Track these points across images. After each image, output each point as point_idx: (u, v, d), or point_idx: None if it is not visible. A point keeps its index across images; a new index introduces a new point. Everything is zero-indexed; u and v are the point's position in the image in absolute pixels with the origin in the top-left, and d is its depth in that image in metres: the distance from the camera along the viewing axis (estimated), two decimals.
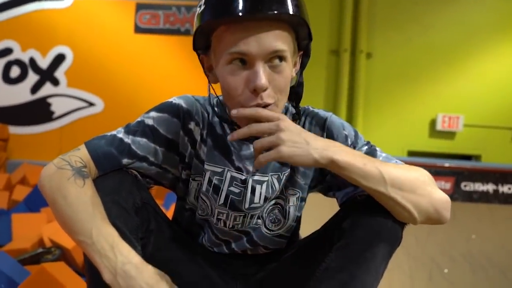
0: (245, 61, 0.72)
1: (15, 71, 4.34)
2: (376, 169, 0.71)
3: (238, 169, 0.84)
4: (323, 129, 0.85)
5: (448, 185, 3.20)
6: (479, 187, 3.16)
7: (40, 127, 4.33)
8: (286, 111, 0.86)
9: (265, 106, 0.73)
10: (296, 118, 0.84)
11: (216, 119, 0.84)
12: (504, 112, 4.28)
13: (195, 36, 0.76)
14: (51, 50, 4.32)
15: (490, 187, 3.16)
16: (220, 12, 0.70)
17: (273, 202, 0.87)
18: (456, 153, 4.28)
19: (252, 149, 0.83)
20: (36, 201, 2.47)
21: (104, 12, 4.31)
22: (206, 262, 0.88)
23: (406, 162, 0.81)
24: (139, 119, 0.83)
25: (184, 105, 0.82)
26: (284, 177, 0.86)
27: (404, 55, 4.35)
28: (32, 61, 4.33)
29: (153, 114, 0.82)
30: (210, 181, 0.84)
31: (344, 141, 0.85)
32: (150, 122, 0.82)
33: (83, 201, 0.70)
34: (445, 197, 0.76)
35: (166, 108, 0.83)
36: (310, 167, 0.87)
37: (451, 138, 4.35)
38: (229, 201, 0.85)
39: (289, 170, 0.86)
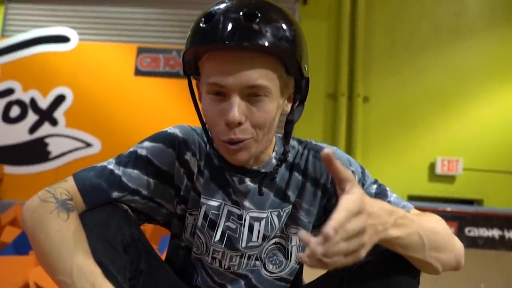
0: (222, 93, 0.69)
1: (15, 111, 4.36)
2: (418, 236, 0.64)
3: (235, 203, 0.79)
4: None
5: (451, 230, 3.12)
6: (484, 232, 3.08)
7: (35, 167, 4.28)
8: (280, 146, 0.82)
9: (239, 141, 0.69)
10: (282, 159, 0.78)
11: (212, 150, 0.80)
12: (503, 155, 4.28)
13: (184, 62, 0.75)
14: (52, 90, 4.38)
15: (495, 233, 3.07)
16: (200, 40, 0.69)
17: (273, 241, 0.81)
18: (457, 197, 4.23)
19: (248, 186, 0.78)
20: (25, 243, 2.38)
21: (106, 55, 4.42)
22: None
23: None
24: (131, 149, 0.79)
25: (180, 134, 0.79)
26: (285, 214, 0.80)
27: (400, 99, 4.42)
28: (33, 101, 4.36)
29: (146, 144, 0.78)
30: (206, 215, 0.79)
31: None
32: (143, 152, 0.77)
33: (65, 235, 0.64)
34: (462, 246, 0.73)
35: (161, 137, 0.79)
36: (315, 204, 0.82)
37: (451, 182, 4.31)
38: (225, 238, 0.79)
39: (290, 206, 0.80)
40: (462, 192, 4.27)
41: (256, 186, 0.78)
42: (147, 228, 2.61)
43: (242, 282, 0.81)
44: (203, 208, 0.78)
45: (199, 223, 0.79)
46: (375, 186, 0.81)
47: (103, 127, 4.31)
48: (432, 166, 4.33)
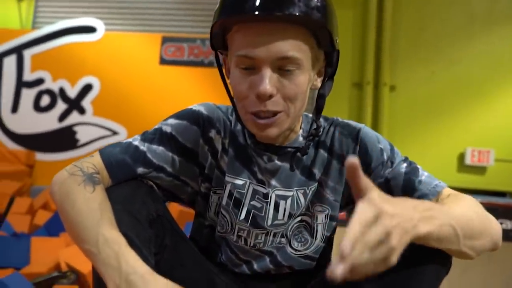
0: (252, 66, 0.68)
1: (45, 100, 4.49)
2: (451, 227, 0.61)
3: (261, 182, 0.79)
4: (356, 141, 0.81)
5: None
6: None
7: (64, 154, 4.41)
8: (307, 123, 0.81)
9: (270, 115, 0.68)
10: (313, 133, 0.77)
11: (238, 127, 0.80)
12: None
13: (212, 35, 0.73)
14: (80, 80, 4.48)
15: None
16: (230, 11, 0.67)
17: (298, 219, 0.80)
18: (487, 189, 4.08)
19: (276, 164, 0.77)
20: (56, 226, 2.46)
21: (131, 45, 4.48)
22: (224, 284, 0.81)
23: None
24: (156, 126, 0.80)
25: (204, 112, 0.79)
26: (311, 192, 0.79)
27: (428, 89, 4.28)
28: (62, 90, 4.48)
29: (171, 121, 0.80)
30: (231, 194, 0.79)
31: (380, 155, 0.79)
32: (168, 129, 0.78)
33: (91, 207, 0.65)
34: (499, 227, 0.70)
35: (186, 115, 0.80)
36: (341, 182, 0.80)
37: (482, 173, 4.17)
38: (250, 217, 0.78)
39: (316, 184, 0.80)
40: (494, 183, 4.12)
41: (284, 164, 0.78)
42: (173, 213, 2.65)
43: (268, 259, 0.81)
44: (228, 187, 0.78)
45: (224, 202, 0.79)
46: (404, 164, 0.80)
47: (129, 116, 4.39)
48: (461, 157, 4.19)
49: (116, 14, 4.65)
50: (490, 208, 3.18)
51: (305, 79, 0.70)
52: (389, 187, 0.80)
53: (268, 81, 0.66)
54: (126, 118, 4.39)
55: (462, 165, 4.17)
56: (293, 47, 0.66)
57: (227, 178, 0.78)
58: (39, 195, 3.34)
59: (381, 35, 4.29)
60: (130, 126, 4.37)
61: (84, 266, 1.60)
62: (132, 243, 0.65)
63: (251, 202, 0.77)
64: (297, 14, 0.64)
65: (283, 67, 0.67)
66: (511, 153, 4.09)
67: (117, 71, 4.44)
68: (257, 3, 0.64)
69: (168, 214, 0.77)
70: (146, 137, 0.78)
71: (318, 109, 0.77)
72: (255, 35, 0.66)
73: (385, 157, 0.79)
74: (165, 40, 4.44)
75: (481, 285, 2.22)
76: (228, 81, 0.75)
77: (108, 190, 0.70)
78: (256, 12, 0.63)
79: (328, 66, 0.75)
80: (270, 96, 0.67)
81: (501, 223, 3.13)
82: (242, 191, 0.78)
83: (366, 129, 0.83)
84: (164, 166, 0.77)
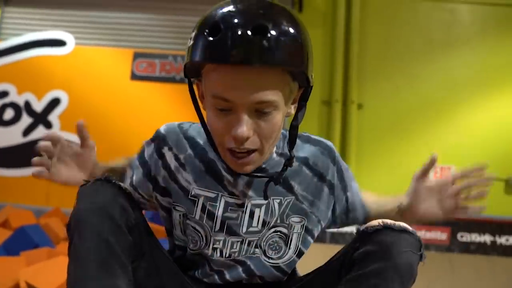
0: (229, 107, 0.68)
1: (9, 114, 4.34)
2: None
3: (232, 194, 0.81)
4: (334, 162, 0.87)
5: (444, 236, 3.13)
6: (476, 238, 3.10)
7: (28, 170, 4.24)
8: (279, 145, 0.84)
9: (245, 151, 0.71)
10: (287, 164, 0.79)
11: (209, 145, 0.82)
12: (495, 163, 4.32)
13: (185, 67, 0.74)
14: (47, 94, 4.37)
15: (487, 238, 3.09)
16: (205, 55, 0.66)
17: (273, 230, 0.82)
18: None
19: (251, 179, 0.80)
20: (16, 244, 2.36)
21: (102, 59, 4.43)
22: None
23: None
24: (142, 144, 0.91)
25: (162, 131, 0.85)
26: (286, 202, 0.82)
27: (394, 106, 4.46)
28: (27, 104, 4.35)
29: (146, 143, 0.89)
30: (204, 207, 0.80)
31: (344, 176, 0.89)
32: (144, 152, 0.88)
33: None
34: None
35: (153, 136, 0.88)
36: (321, 199, 0.85)
37: None
38: (225, 226, 0.81)
39: (293, 197, 0.83)
40: None
41: (259, 180, 0.80)
42: None
43: (240, 269, 0.82)
44: (200, 201, 0.80)
45: (198, 217, 0.80)
46: (355, 184, 0.94)
47: (98, 131, 4.29)
48: None
49: (87, 28, 4.60)
50: (452, 223, 3.30)
51: (281, 117, 0.72)
52: (348, 205, 0.91)
53: (245, 125, 0.67)
54: (95, 134, 4.22)
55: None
56: (270, 93, 0.67)
57: (197, 191, 0.80)
58: None
59: (349, 54, 4.45)
60: (99, 141, 4.22)
61: (46, 285, 1.54)
62: (112, 249, 0.67)
63: (225, 214, 0.80)
64: (277, 63, 0.65)
65: (260, 109, 0.68)
66: None
67: (87, 85, 4.37)
68: (234, 51, 0.63)
69: (145, 222, 0.79)
70: (138, 154, 0.89)
71: (291, 139, 0.78)
72: (232, 79, 0.66)
73: (346, 178, 0.89)
74: (136, 55, 4.43)
75: None
76: (201, 106, 0.77)
77: (89, 196, 0.71)
78: (236, 61, 0.64)
79: (302, 98, 0.77)
80: (247, 138, 0.69)
81: (461, 236, 3.26)
82: (215, 203, 0.80)
83: (334, 147, 0.90)
84: (137, 187, 0.87)
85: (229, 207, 0.80)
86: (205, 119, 0.75)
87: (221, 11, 0.66)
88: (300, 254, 0.85)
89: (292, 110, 0.77)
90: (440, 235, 3.11)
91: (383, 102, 4.45)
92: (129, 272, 0.69)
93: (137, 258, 0.74)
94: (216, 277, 0.83)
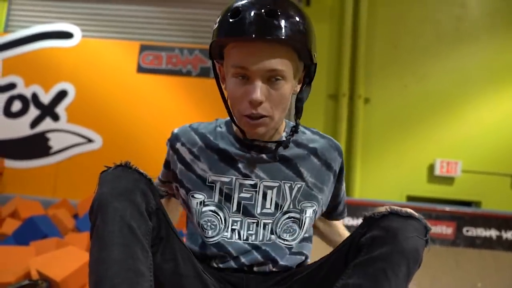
0: (246, 76, 0.80)
1: (16, 106, 4.37)
2: None
3: (245, 176, 0.88)
4: (341, 156, 0.96)
5: (449, 230, 3.13)
6: (482, 232, 3.09)
7: (36, 162, 4.29)
8: (289, 128, 0.94)
9: (260, 117, 0.81)
10: (293, 130, 0.91)
11: (219, 137, 0.92)
12: (502, 158, 4.30)
13: (210, 48, 0.86)
14: (54, 86, 4.39)
15: (493, 233, 3.09)
16: (228, 33, 0.80)
17: (287, 216, 0.88)
18: (455, 199, 4.24)
19: (263, 157, 0.89)
20: (25, 234, 2.39)
21: (108, 52, 4.44)
22: (213, 280, 0.84)
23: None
24: None
25: (175, 131, 0.96)
26: (296, 188, 0.89)
27: (401, 101, 4.45)
28: (34, 96, 4.38)
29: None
30: (221, 191, 0.88)
31: (343, 168, 0.97)
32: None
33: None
34: None
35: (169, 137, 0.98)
36: (328, 186, 0.93)
37: (450, 184, 4.34)
38: (241, 207, 0.88)
39: (303, 183, 0.90)
40: (461, 193, 4.29)
41: (269, 159, 0.89)
42: None
43: (255, 252, 0.86)
44: (217, 186, 0.88)
45: (216, 199, 0.87)
46: (344, 185, 1.00)
47: (105, 123, 4.33)
48: (431, 168, 4.35)
49: (94, 21, 4.61)
50: (457, 217, 3.29)
51: (289, 88, 0.83)
52: (342, 194, 1.02)
53: (259, 90, 0.79)
54: (101, 126, 4.32)
55: (432, 176, 4.33)
56: (280, 62, 0.80)
57: (213, 178, 0.88)
58: (8, 203, 3.24)
59: (356, 49, 4.43)
60: (105, 133, 4.31)
61: (57, 274, 1.57)
62: (134, 234, 0.69)
63: (240, 195, 0.87)
64: (284, 37, 0.78)
65: (271, 78, 0.80)
66: (477, 165, 4.28)
67: (93, 78, 4.39)
68: (251, 28, 0.77)
69: (163, 208, 0.82)
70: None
71: (297, 110, 0.90)
72: (249, 53, 0.79)
73: (343, 175, 0.99)
74: (143, 48, 4.43)
75: None
76: (223, 87, 0.88)
77: (111, 182, 0.74)
78: (252, 36, 0.77)
79: (307, 75, 0.88)
80: (261, 103, 0.80)
81: (467, 231, 3.26)
82: (230, 186, 0.87)
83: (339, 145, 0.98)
84: (160, 177, 0.98)
85: (244, 188, 0.88)
86: (226, 98, 0.87)
87: (241, 2, 0.81)
88: (309, 238, 0.93)
89: (298, 88, 0.89)
90: (446, 230, 3.11)
91: (390, 97, 4.43)
92: (150, 257, 0.72)
93: (155, 243, 0.77)
94: (232, 261, 0.86)
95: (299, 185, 0.89)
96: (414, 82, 4.45)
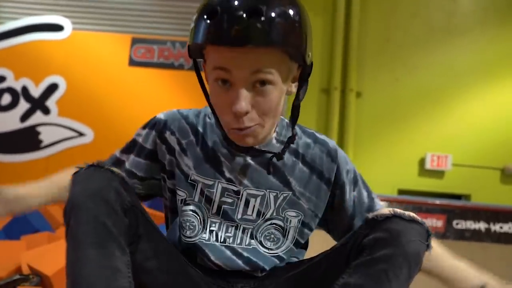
0: (229, 82, 0.71)
1: (6, 99, 4.31)
2: None
3: (229, 180, 0.83)
4: (335, 160, 0.86)
5: (440, 223, 3.18)
6: (471, 225, 3.14)
7: (26, 156, 4.24)
8: (281, 127, 0.85)
9: (247, 128, 0.73)
10: (288, 142, 0.82)
11: (208, 131, 0.85)
12: (491, 152, 4.36)
13: (189, 49, 0.77)
14: (45, 79, 4.33)
15: (482, 226, 3.14)
16: (204, 37, 0.70)
17: (268, 222, 0.84)
18: (445, 192, 4.29)
19: (248, 163, 0.82)
20: (16, 229, 2.37)
21: (100, 45, 4.39)
22: (199, 276, 0.82)
23: (397, 201, 0.82)
24: (133, 137, 0.90)
25: (162, 116, 0.87)
26: (282, 197, 0.84)
27: (392, 95, 4.47)
28: (25, 89, 4.32)
29: (139, 131, 0.89)
30: (202, 191, 0.83)
31: (346, 176, 0.87)
32: (137, 138, 0.88)
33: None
34: None
35: (149, 123, 0.88)
36: (319, 196, 0.85)
37: (440, 177, 4.39)
38: (221, 211, 0.83)
39: (290, 193, 0.84)
40: (451, 187, 4.35)
41: (255, 165, 0.83)
42: None
43: (240, 261, 0.83)
44: (199, 186, 0.83)
45: (196, 199, 0.83)
46: (366, 193, 0.88)
47: (96, 117, 4.29)
48: (422, 161, 4.40)
49: (85, 13, 4.55)
50: (447, 210, 3.33)
51: (278, 93, 0.74)
52: (353, 206, 0.88)
53: (244, 100, 0.70)
54: (93, 119, 4.28)
55: (422, 169, 4.37)
56: (266, 66, 0.70)
57: (196, 177, 0.83)
58: None
59: (348, 43, 4.43)
60: (97, 127, 4.27)
61: (49, 268, 1.56)
62: (109, 232, 0.68)
63: (222, 199, 0.82)
64: (271, 43, 0.68)
65: (256, 83, 0.71)
66: (466, 158, 4.33)
67: (84, 71, 4.34)
68: (231, 34, 0.66)
69: (141, 205, 0.80)
70: (123, 148, 0.89)
71: (293, 119, 0.81)
72: (231, 57, 0.70)
73: (351, 178, 0.87)
74: (135, 41, 4.39)
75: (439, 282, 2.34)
76: (207, 86, 0.80)
77: (83, 182, 0.72)
78: (231, 43, 0.67)
79: (302, 74, 0.79)
80: (247, 113, 0.72)
81: (456, 224, 3.31)
82: (212, 190, 0.82)
83: (340, 150, 0.89)
84: (134, 171, 0.86)
85: (226, 193, 0.83)
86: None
87: None
88: (297, 244, 0.87)
89: (293, 89, 0.79)
90: (436, 222, 3.15)
91: (381, 90, 4.45)
92: (127, 254, 0.70)
93: (134, 241, 0.75)
94: (214, 267, 0.83)
95: (285, 195, 0.84)
96: (406, 76, 4.47)
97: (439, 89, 4.43)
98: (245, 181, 0.82)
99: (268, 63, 0.70)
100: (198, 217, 0.83)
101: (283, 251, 0.85)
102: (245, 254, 0.83)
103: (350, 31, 4.47)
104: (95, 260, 0.67)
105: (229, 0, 0.68)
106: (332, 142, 0.89)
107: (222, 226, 0.83)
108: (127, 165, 0.86)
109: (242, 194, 0.82)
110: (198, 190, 0.82)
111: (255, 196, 0.82)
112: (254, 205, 0.82)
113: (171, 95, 4.29)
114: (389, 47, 4.51)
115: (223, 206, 0.82)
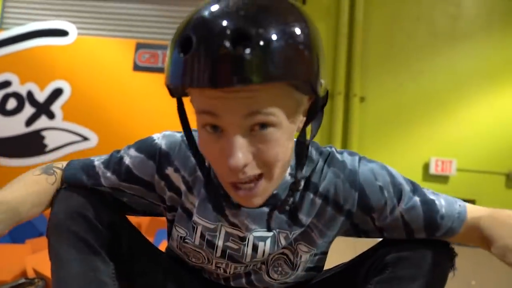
0: (219, 128, 0.56)
1: (11, 103, 4.35)
2: None
3: (233, 225, 0.74)
4: (355, 187, 0.72)
5: None
6: None
7: (31, 160, 4.26)
8: (293, 176, 0.69)
9: (248, 181, 0.58)
10: (293, 188, 0.68)
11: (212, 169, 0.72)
12: (496, 157, 4.33)
13: (168, 87, 0.63)
14: (49, 84, 4.37)
15: None
16: (179, 77, 0.54)
17: (280, 251, 0.77)
18: None
19: (255, 210, 0.71)
20: (21, 232, 2.39)
21: (104, 50, 4.42)
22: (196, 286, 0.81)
23: None
24: (121, 152, 0.79)
25: (164, 146, 0.74)
26: (294, 235, 0.74)
27: (396, 100, 4.46)
28: (30, 94, 4.36)
29: (131, 152, 0.78)
30: (202, 235, 0.75)
31: (380, 195, 0.73)
32: (126, 161, 0.77)
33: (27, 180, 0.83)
34: None
35: (145, 147, 0.76)
36: (333, 228, 0.74)
37: (445, 182, 4.36)
38: (227, 255, 0.76)
39: (301, 230, 0.74)
40: (455, 192, 4.31)
41: (262, 209, 0.72)
42: (142, 221, 2.62)
43: (244, 280, 0.81)
44: (199, 229, 0.74)
45: (197, 242, 0.75)
46: (417, 198, 0.75)
47: (101, 121, 4.32)
48: (426, 166, 4.38)
49: (90, 19, 4.59)
50: None
51: (285, 135, 0.57)
52: (406, 222, 0.74)
53: (240, 151, 0.54)
54: (97, 124, 4.31)
55: (426, 174, 4.35)
56: (264, 105, 0.53)
57: (196, 219, 0.74)
58: None
59: (352, 47, 4.44)
60: (101, 132, 4.29)
61: None
62: (90, 246, 0.68)
63: (226, 243, 0.74)
64: (267, 79, 0.50)
65: (255, 126, 0.55)
66: (471, 163, 4.31)
67: (89, 76, 4.37)
68: (212, 74, 0.49)
69: (125, 218, 0.78)
70: (108, 161, 0.79)
71: (298, 159, 0.66)
72: (217, 96, 0.53)
73: (386, 194, 0.73)
74: (139, 46, 4.42)
75: None
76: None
77: (63, 201, 0.73)
78: (212, 85, 0.50)
79: (314, 105, 0.61)
80: (245, 166, 0.56)
81: None
82: (214, 233, 0.74)
83: (362, 168, 0.74)
84: (121, 188, 0.79)
85: (230, 238, 0.74)
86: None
87: (195, 17, 0.52)
88: (311, 269, 0.80)
89: (303, 121, 0.63)
90: None
91: (385, 95, 4.45)
92: (111, 267, 0.71)
93: (117, 253, 0.74)
94: (222, 281, 0.82)
95: (297, 232, 0.74)
96: (409, 81, 4.47)
97: (443, 94, 4.42)
98: (252, 225, 0.72)
99: (266, 102, 0.53)
100: (201, 254, 0.78)
101: (292, 279, 0.80)
102: (252, 276, 0.80)
103: (353, 37, 4.48)
104: (80, 275, 0.67)
105: (206, 22, 0.51)
106: (353, 164, 0.73)
107: (230, 266, 0.79)
108: (102, 181, 0.77)
109: (248, 239, 0.73)
110: (198, 233, 0.74)
111: (264, 239, 0.72)
112: (263, 249, 0.73)
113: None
114: (393, 52, 4.51)
115: (228, 250, 0.75)
